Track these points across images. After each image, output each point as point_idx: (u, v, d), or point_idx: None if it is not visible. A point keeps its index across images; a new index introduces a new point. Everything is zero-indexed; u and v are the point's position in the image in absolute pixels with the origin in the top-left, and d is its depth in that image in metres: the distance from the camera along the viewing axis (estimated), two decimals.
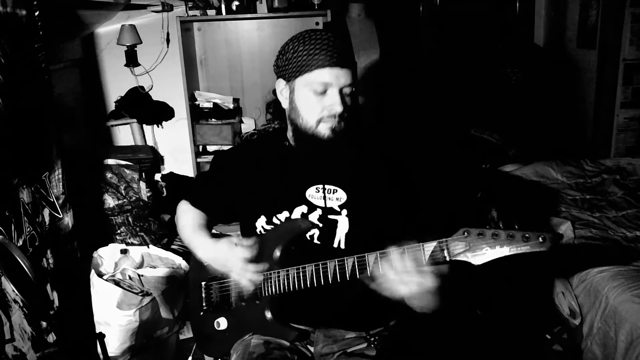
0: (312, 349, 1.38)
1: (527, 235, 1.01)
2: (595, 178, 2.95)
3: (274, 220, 1.34)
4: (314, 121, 1.24)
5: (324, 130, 1.24)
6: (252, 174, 1.39)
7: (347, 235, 1.30)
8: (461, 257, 1.06)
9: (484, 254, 1.04)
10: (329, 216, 1.31)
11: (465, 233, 1.06)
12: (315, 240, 1.32)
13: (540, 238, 1.00)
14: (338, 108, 1.22)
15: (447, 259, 1.07)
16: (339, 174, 1.32)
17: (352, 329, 1.37)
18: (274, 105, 1.37)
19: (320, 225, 1.31)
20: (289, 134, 1.36)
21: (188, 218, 1.49)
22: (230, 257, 1.29)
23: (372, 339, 1.35)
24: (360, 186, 1.31)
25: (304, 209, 1.32)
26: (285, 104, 1.32)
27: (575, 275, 2.18)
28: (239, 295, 1.38)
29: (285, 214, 1.33)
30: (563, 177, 2.96)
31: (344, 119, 1.24)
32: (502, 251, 1.03)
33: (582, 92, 3.68)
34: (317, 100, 1.23)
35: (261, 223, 1.36)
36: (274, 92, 1.35)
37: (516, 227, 1.04)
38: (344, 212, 1.30)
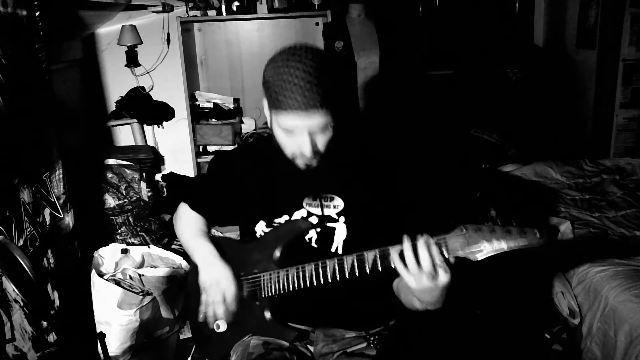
0: (312, 348, 1.38)
1: (524, 230, 1.01)
2: (594, 178, 2.95)
3: (274, 224, 1.35)
4: (290, 154, 1.22)
5: (301, 164, 1.22)
6: (250, 180, 1.39)
7: (345, 241, 1.30)
8: (460, 254, 1.06)
9: (481, 250, 1.04)
10: (327, 224, 1.31)
11: (463, 229, 1.05)
12: (313, 244, 1.32)
13: (537, 233, 1.00)
14: (307, 153, 1.17)
15: (446, 255, 1.07)
16: (335, 181, 1.31)
17: (352, 329, 1.37)
18: None
19: (319, 230, 1.31)
20: None
21: (189, 221, 1.49)
22: (218, 286, 1.32)
23: (372, 339, 1.36)
24: (358, 193, 1.31)
25: (303, 212, 1.33)
26: (269, 124, 1.28)
27: (574, 275, 2.18)
28: (239, 297, 1.38)
29: (285, 217, 1.34)
30: (562, 177, 2.96)
31: (319, 155, 1.20)
32: (500, 246, 1.02)
33: (581, 92, 3.68)
34: (288, 138, 1.19)
35: (261, 227, 1.36)
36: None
37: (513, 223, 1.03)
38: (342, 219, 1.30)
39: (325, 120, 1.14)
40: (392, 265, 1.10)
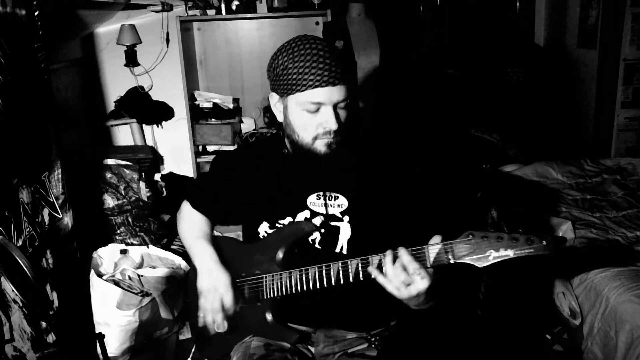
0: (313, 349, 1.37)
1: (531, 238, 1.02)
2: (595, 178, 2.95)
3: (277, 225, 1.34)
4: (309, 139, 1.23)
5: (321, 146, 1.23)
6: (253, 180, 1.38)
7: (349, 241, 1.30)
8: (466, 260, 1.06)
9: (487, 257, 1.05)
10: (331, 223, 1.31)
11: (470, 236, 1.06)
12: (317, 245, 1.32)
13: (544, 241, 1.01)
14: (333, 126, 1.20)
15: (452, 261, 1.08)
16: (339, 180, 1.31)
17: (353, 330, 1.36)
18: (270, 111, 1.37)
19: (323, 231, 1.31)
20: (287, 142, 1.34)
21: (191, 222, 1.49)
22: (215, 292, 1.32)
23: (373, 339, 1.35)
24: (362, 192, 1.31)
25: (306, 214, 1.32)
26: (280, 118, 1.30)
27: (575, 276, 2.18)
28: (237, 304, 1.37)
29: (289, 219, 1.33)
30: (563, 177, 2.96)
31: (340, 133, 1.22)
32: (506, 254, 1.03)
33: (582, 92, 3.68)
34: (311, 118, 1.21)
35: (264, 228, 1.36)
36: (269, 106, 1.33)
37: (520, 230, 1.04)
38: (346, 218, 1.30)
39: (346, 94, 1.20)
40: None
